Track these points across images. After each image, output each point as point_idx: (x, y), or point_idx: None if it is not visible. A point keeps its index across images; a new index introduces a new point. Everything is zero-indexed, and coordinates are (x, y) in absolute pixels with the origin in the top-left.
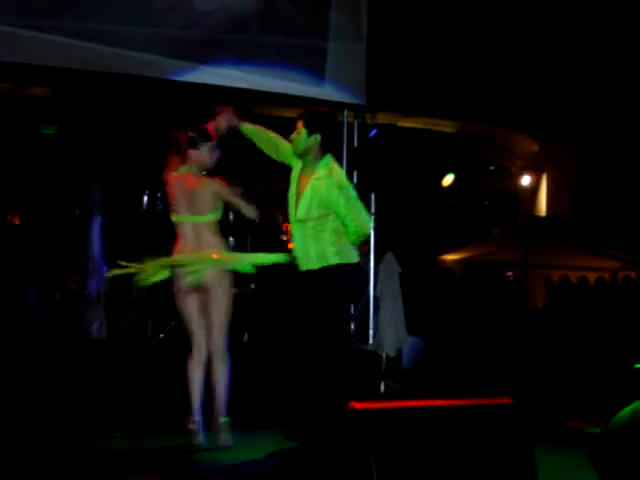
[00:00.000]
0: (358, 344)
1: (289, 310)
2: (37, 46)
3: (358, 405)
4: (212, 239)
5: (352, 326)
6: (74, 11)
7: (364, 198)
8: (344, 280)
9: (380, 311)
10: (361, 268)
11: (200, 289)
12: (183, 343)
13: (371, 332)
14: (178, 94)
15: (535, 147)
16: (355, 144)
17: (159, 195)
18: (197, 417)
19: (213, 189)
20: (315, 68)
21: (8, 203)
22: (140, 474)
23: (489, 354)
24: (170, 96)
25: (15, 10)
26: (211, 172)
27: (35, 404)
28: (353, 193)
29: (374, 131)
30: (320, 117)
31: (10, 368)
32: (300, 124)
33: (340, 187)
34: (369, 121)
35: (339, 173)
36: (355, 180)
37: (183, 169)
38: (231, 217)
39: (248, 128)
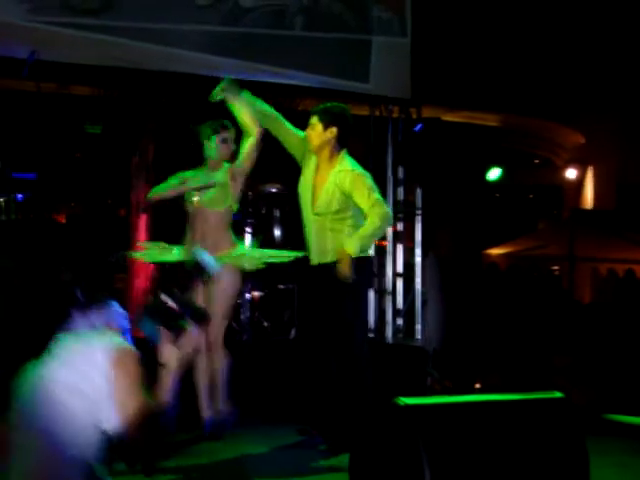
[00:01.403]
0: (406, 340)
1: (305, 306)
2: (80, 45)
3: (408, 401)
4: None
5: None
6: (116, 9)
7: (410, 193)
8: (359, 273)
9: (427, 307)
10: (371, 261)
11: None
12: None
13: (418, 327)
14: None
15: (581, 140)
16: (400, 139)
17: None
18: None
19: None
20: (359, 63)
21: (54, 202)
22: None
23: (535, 349)
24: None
25: (58, 9)
26: None
27: None
28: (374, 186)
29: (419, 125)
30: (335, 110)
31: None
32: (315, 119)
33: (363, 180)
34: (414, 116)
35: (359, 166)
36: (401, 174)
37: None
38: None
39: (256, 104)
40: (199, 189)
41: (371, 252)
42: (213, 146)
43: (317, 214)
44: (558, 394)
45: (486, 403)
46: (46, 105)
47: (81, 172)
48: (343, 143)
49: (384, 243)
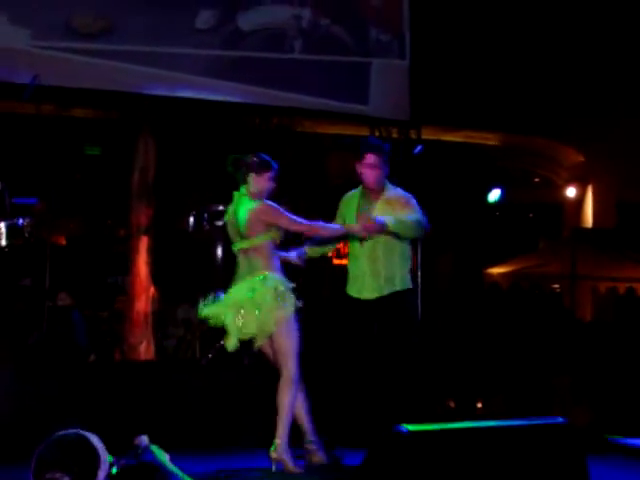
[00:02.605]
0: None
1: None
2: (82, 69)
3: (412, 428)
4: None
5: None
6: (116, 33)
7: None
8: (411, 307)
9: None
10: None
11: None
12: (231, 363)
13: None
14: (221, 113)
15: (580, 158)
16: (400, 160)
17: (205, 216)
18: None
19: None
20: (359, 85)
21: (54, 224)
22: None
23: (537, 368)
24: (213, 116)
25: (60, 34)
26: None
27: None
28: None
29: (419, 147)
30: (378, 141)
31: (60, 390)
32: (373, 158)
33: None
34: (414, 137)
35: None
36: None
37: None
38: None
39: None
40: None
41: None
42: None
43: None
44: (560, 419)
45: (489, 429)
46: (45, 127)
47: (81, 193)
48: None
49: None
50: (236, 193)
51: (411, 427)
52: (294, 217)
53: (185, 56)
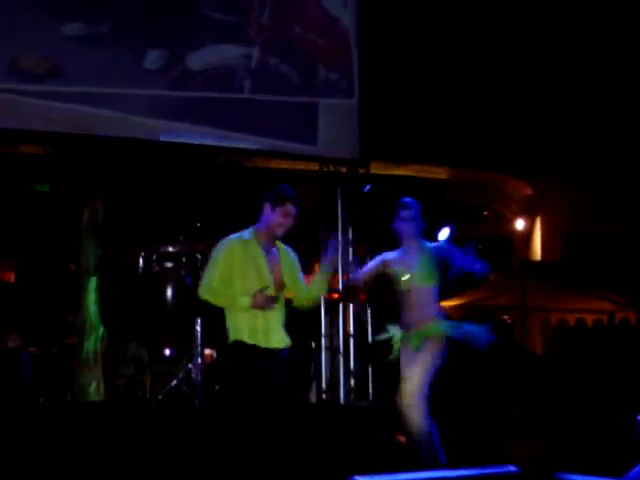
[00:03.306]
0: (358, 401)
1: None
2: (27, 111)
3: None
4: None
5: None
6: (62, 74)
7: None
8: None
9: None
10: None
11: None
12: (183, 404)
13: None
14: (170, 154)
15: (529, 191)
16: (349, 199)
17: (154, 257)
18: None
19: None
20: (307, 126)
21: (2, 262)
22: None
23: (488, 401)
24: (162, 156)
25: (3, 75)
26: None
27: (32, 472)
28: None
29: (368, 186)
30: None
31: (5, 435)
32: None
33: None
34: (363, 173)
35: None
36: (350, 234)
37: None
38: None
39: None
40: None
41: None
42: None
43: None
44: (513, 468)
45: None
46: None
47: (30, 228)
48: None
49: (335, 296)
50: None
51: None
52: None
53: (134, 97)
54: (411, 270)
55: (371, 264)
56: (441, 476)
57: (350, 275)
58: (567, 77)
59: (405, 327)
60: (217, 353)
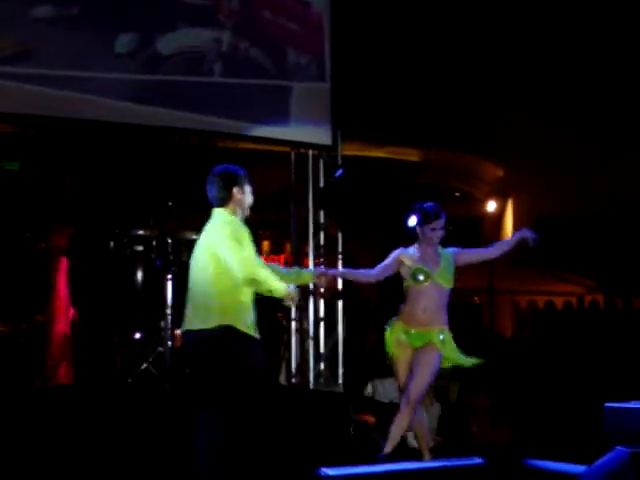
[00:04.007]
0: (328, 385)
1: None
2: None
3: (332, 472)
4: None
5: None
6: (32, 57)
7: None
8: None
9: None
10: None
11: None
12: (153, 387)
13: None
14: (140, 137)
15: (500, 173)
16: (321, 183)
17: (125, 240)
18: None
19: None
20: (279, 109)
21: None
22: None
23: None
24: (133, 137)
25: None
26: None
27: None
28: None
29: (340, 171)
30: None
31: None
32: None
33: None
34: (334, 158)
35: None
36: (322, 219)
37: None
38: None
39: None
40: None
41: None
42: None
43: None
44: (479, 460)
45: (409, 473)
46: None
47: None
48: None
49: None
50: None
51: (331, 472)
52: None
53: (104, 80)
54: (432, 270)
55: (388, 261)
56: (407, 468)
57: (316, 280)
58: (541, 57)
59: (412, 325)
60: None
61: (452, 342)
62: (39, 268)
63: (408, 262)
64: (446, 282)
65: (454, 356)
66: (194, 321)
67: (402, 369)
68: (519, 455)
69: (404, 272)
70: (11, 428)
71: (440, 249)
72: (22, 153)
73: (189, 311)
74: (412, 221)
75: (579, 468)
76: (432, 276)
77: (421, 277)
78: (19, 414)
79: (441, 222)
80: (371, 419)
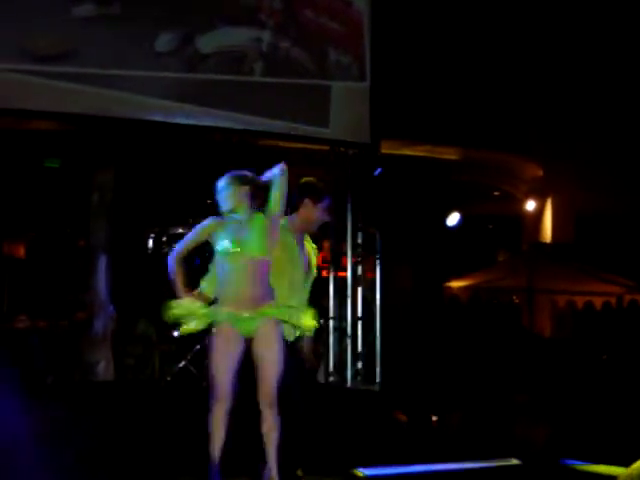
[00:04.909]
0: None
1: None
2: (39, 92)
3: (367, 471)
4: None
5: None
6: (75, 56)
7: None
8: None
9: None
10: None
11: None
12: (192, 385)
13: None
14: (180, 135)
15: (540, 172)
16: (359, 183)
17: (164, 239)
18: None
19: None
20: (319, 108)
21: (13, 236)
22: None
23: (496, 384)
24: (173, 136)
25: (16, 56)
26: None
27: (41, 452)
28: None
29: (378, 170)
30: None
31: (16, 416)
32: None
33: None
34: (373, 157)
35: None
36: (360, 218)
37: None
38: None
39: None
40: None
41: None
42: None
43: None
44: (515, 461)
45: (446, 473)
46: (4, 140)
47: (40, 204)
48: None
49: (342, 274)
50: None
51: (368, 471)
52: None
53: (144, 79)
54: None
55: None
56: (443, 469)
57: None
58: (581, 58)
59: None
60: None
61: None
62: (79, 265)
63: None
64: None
65: None
66: None
67: None
68: (556, 455)
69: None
70: (51, 423)
71: None
72: (62, 151)
73: None
74: (452, 219)
75: (617, 470)
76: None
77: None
78: (59, 409)
79: None
80: (403, 418)
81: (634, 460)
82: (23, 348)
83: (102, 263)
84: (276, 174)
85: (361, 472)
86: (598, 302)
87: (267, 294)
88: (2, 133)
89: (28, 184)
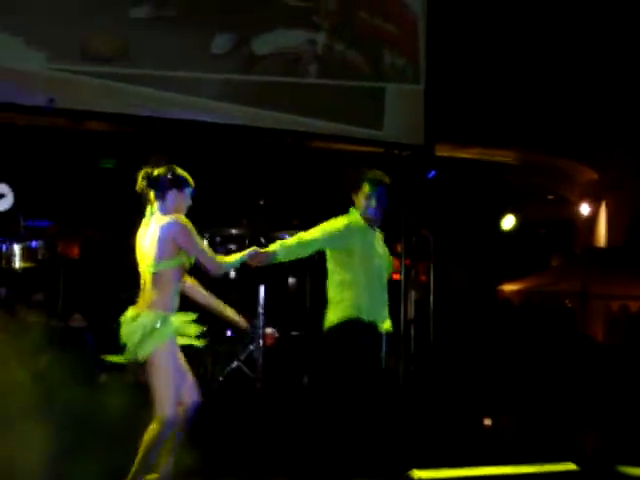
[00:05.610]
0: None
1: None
2: (97, 92)
3: (420, 473)
4: None
5: None
6: (131, 57)
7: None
8: None
9: None
10: None
11: None
12: (244, 386)
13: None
14: (234, 137)
15: (594, 176)
16: (413, 185)
17: (219, 239)
18: None
19: None
20: (373, 111)
21: (68, 237)
22: None
23: (549, 388)
24: (226, 139)
25: (76, 57)
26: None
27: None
28: None
29: (433, 172)
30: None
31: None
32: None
33: None
34: (428, 159)
35: None
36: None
37: None
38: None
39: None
40: None
41: None
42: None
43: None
44: (572, 466)
45: (500, 477)
46: (60, 141)
47: (95, 204)
48: None
49: (396, 277)
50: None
51: (422, 473)
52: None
53: (200, 80)
54: None
55: None
56: (498, 473)
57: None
58: (636, 59)
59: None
60: (278, 333)
61: None
62: (131, 265)
63: None
64: None
65: None
66: None
67: None
68: (612, 461)
69: None
70: (104, 422)
71: None
72: (117, 151)
73: None
74: (507, 222)
75: None
76: None
77: None
78: (113, 409)
79: None
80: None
81: None
82: (78, 346)
83: None
84: None
85: (417, 474)
86: None
87: None
88: (58, 133)
89: (83, 184)
